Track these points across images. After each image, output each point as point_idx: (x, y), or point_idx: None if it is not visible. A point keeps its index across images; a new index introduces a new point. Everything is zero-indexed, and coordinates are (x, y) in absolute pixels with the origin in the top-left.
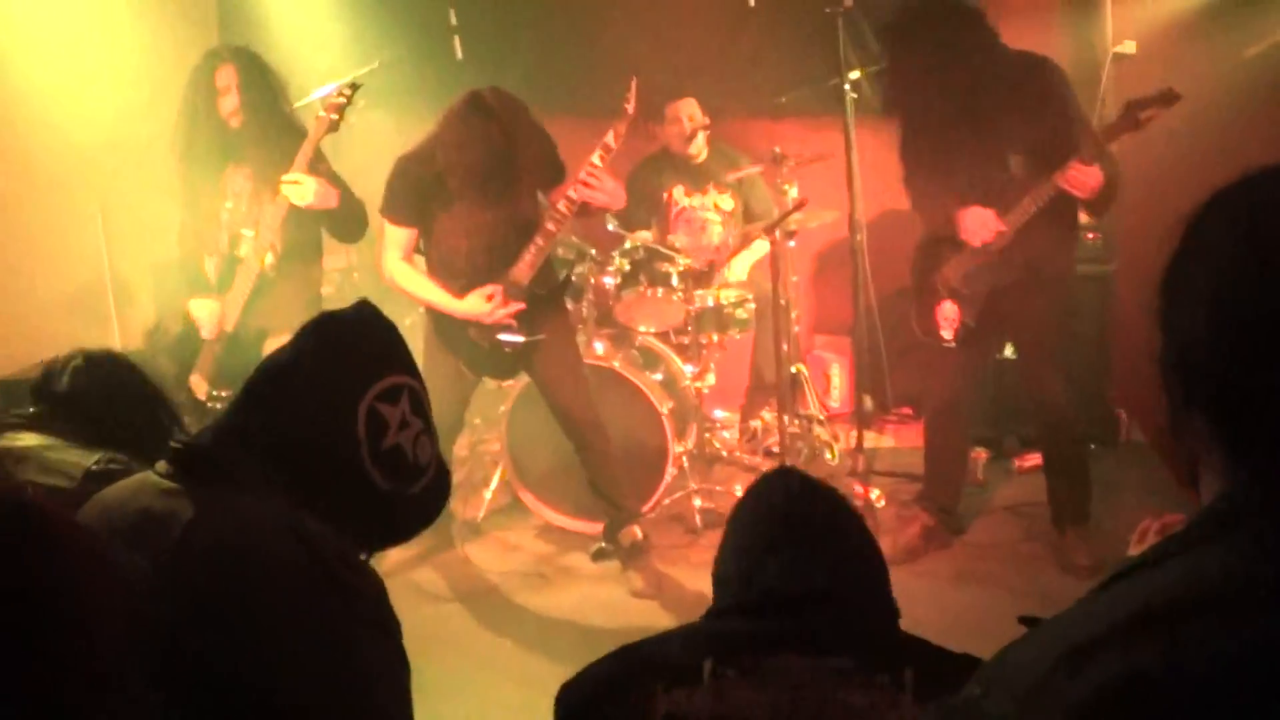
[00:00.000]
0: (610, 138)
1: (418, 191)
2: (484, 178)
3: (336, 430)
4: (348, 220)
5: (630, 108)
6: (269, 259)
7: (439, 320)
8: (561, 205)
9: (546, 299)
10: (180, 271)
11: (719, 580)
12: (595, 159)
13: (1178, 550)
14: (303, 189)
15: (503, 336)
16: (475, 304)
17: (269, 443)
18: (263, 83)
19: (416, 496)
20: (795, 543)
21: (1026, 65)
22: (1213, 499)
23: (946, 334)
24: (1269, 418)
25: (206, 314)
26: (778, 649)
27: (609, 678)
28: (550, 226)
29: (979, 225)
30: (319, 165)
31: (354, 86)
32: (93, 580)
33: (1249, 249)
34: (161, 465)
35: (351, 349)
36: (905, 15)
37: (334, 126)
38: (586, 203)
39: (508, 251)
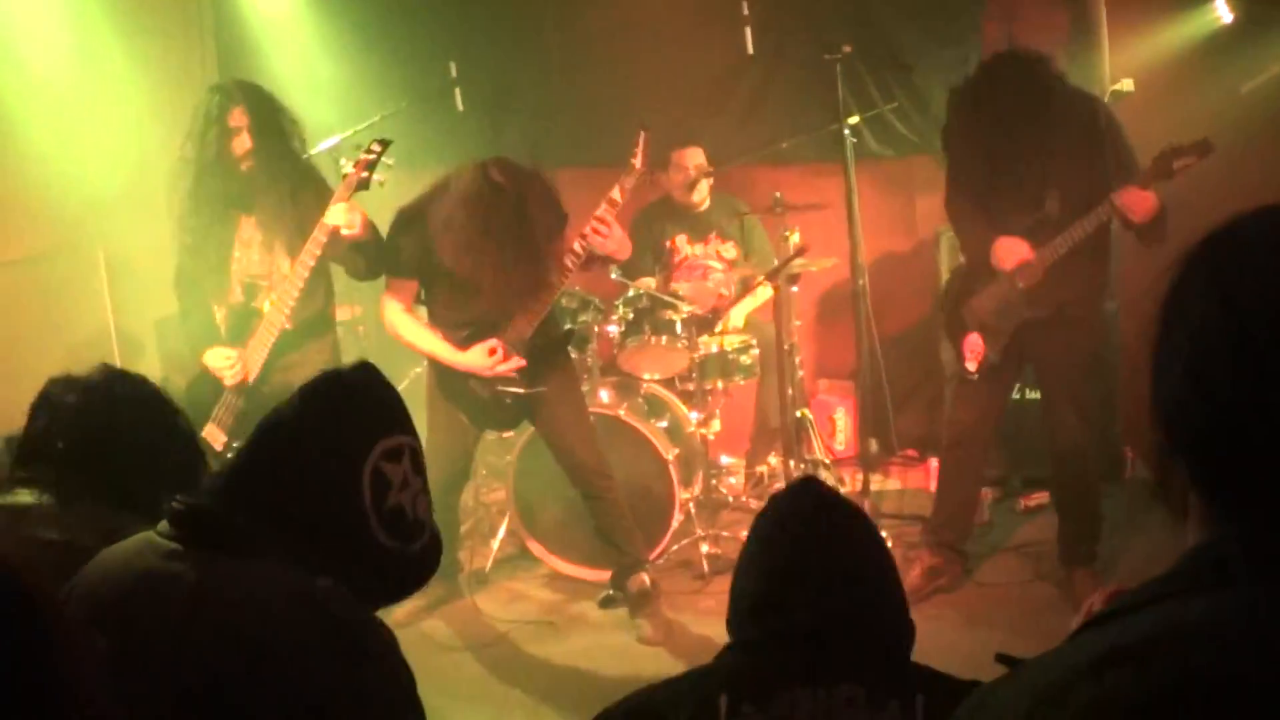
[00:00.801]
0: (616, 192)
1: (418, 244)
2: (488, 240)
3: (342, 491)
4: (373, 254)
5: (638, 162)
6: (285, 324)
7: (441, 372)
8: (567, 260)
9: (549, 350)
10: (186, 320)
11: (736, 594)
12: (601, 212)
13: (1151, 599)
14: (352, 216)
15: (504, 389)
16: (477, 357)
17: (272, 503)
18: (277, 124)
19: (416, 554)
20: (809, 568)
21: (1075, 102)
22: (1191, 550)
23: (971, 365)
24: (1245, 480)
25: (227, 363)
26: (790, 681)
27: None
28: (554, 279)
29: (1010, 252)
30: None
31: (384, 142)
32: (74, 657)
33: (1224, 314)
34: (163, 525)
35: (356, 409)
36: (983, 71)
37: (364, 184)
38: (593, 252)
39: (511, 305)
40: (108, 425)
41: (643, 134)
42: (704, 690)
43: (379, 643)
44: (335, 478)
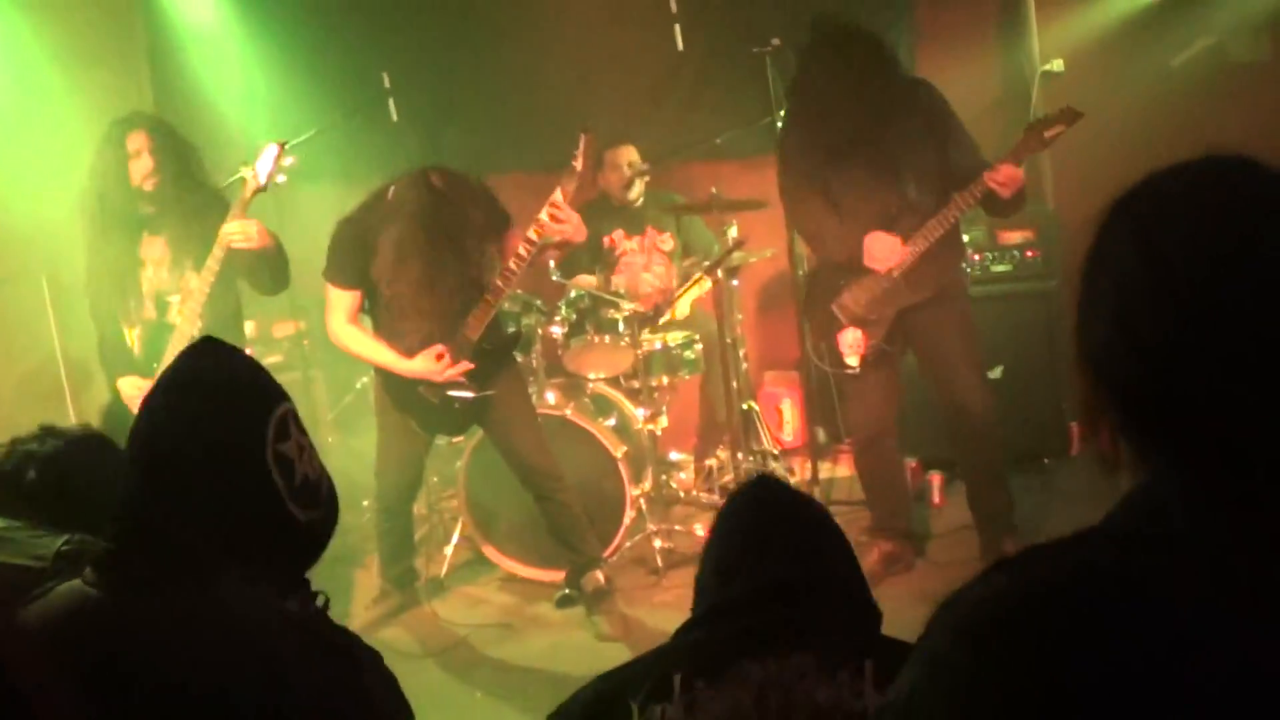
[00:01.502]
0: (558, 194)
1: (359, 254)
2: (430, 247)
3: (257, 489)
4: (278, 267)
5: (579, 164)
6: (199, 327)
7: (388, 380)
8: (512, 262)
9: (496, 354)
10: (101, 345)
11: (699, 587)
12: (544, 216)
13: (1064, 544)
14: (247, 228)
15: (453, 393)
16: (424, 364)
17: (192, 524)
18: (175, 146)
19: (325, 514)
20: (757, 545)
21: (912, 88)
22: (1122, 498)
23: (852, 360)
24: (1172, 424)
25: (137, 392)
26: (741, 654)
27: (592, 701)
28: (499, 283)
29: (887, 251)
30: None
31: (280, 145)
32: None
33: (1147, 265)
34: (89, 574)
35: (234, 401)
36: (807, 43)
37: (262, 187)
38: (547, 241)
39: (455, 310)
40: (85, 466)
41: (583, 136)
42: (659, 668)
43: (367, 652)
44: (245, 481)
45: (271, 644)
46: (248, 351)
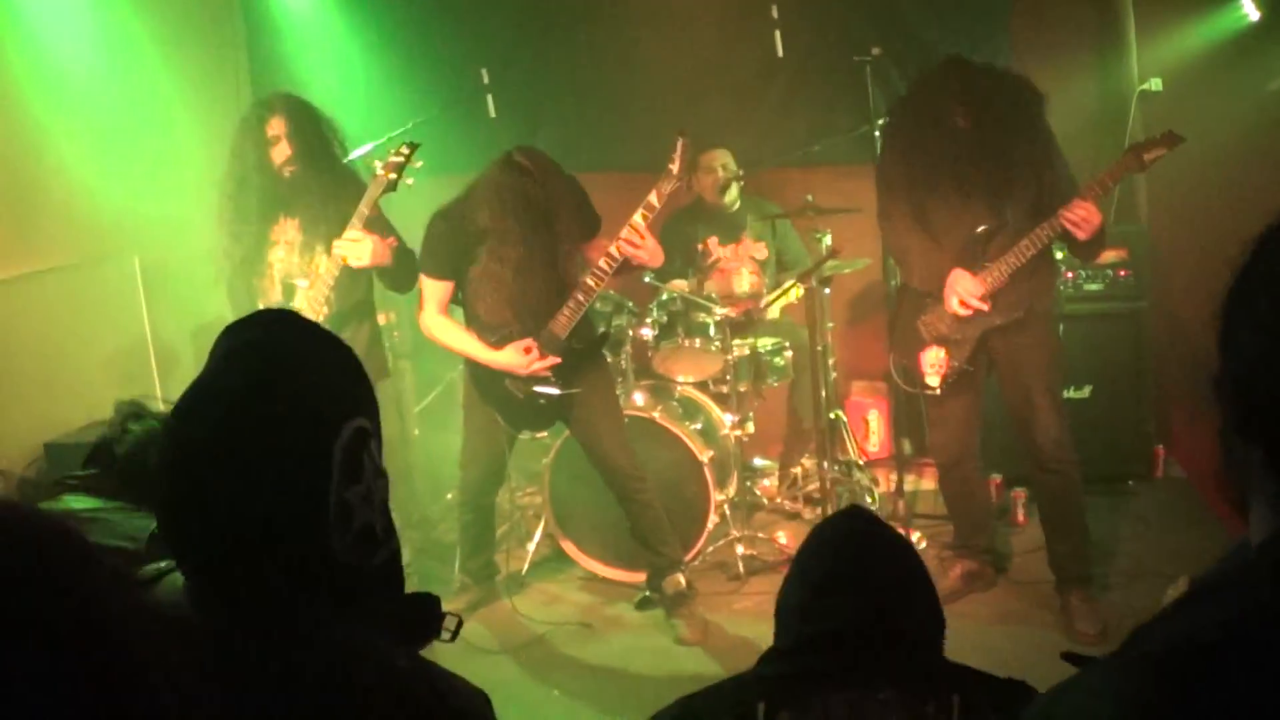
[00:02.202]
0: (654, 197)
1: (452, 246)
2: (521, 235)
3: (304, 542)
4: (401, 273)
5: (675, 168)
6: (325, 313)
7: (476, 372)
8: (602, 263)
9: (584, 353)
10: None
11: (780, 610)
12: (637, 218)
13: (1229, 584)
14: (359, 248)
15: (538, 389)
16: (512, 356)
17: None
18: (315, 131)
19: (387, 552)
20: (847, 580)
21: (1023, 107)
22: (1265, 538)
23: (933, 381)
24: None
25: None
26: (825, 685)
27: None
28: (590, 282)
29: (964, 293)
30: (375, 222)
31: (413, 145)
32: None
33: None
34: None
35: (295, 425)
36: (929, 72)
37: (392, 186)
38: (627, 260)
39: (546, 305)
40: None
41: (680, 140)
42: (742, 696)
43: (473, 701)
44: (293, 533)
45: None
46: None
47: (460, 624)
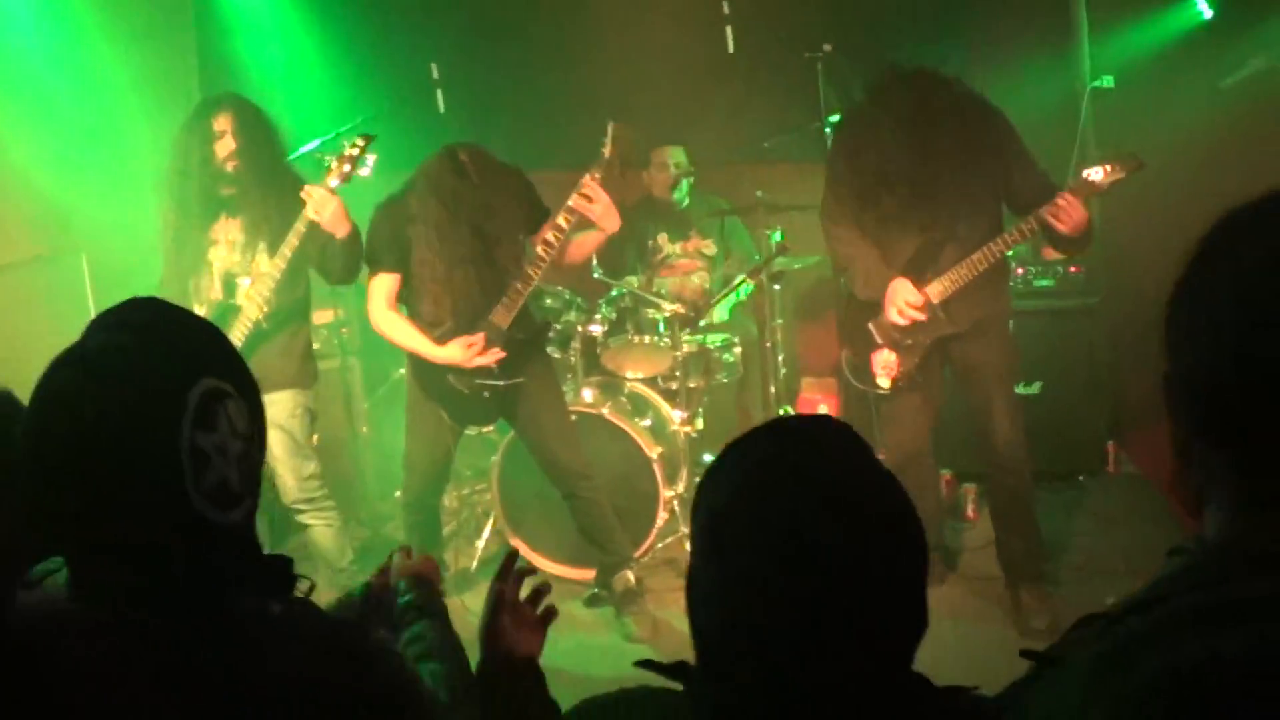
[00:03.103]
0: (588, 177)
1: (393, 238)
2: (454, 228)
3: (162, 481)
4: (351, 256)
5: (607, 151)
6: (265, 311)
7: (419, 368)
8: (540, 250)
9: (527, 344)
10: None
11: (722, 610)
12: (572, 199)
13: (1187, 589)
14: (327, 203)
15: (482, 381)
16: (455, 350)
17: (87, 520)
18: (259, 128)
19: (245, 521)
20: (810, 599)
21: (980, 120)
22: (1219, 536)
23: (883, 382)
24: None
25: None
26: None
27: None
28: (530, 271)
29: (903, 306)
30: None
31: (367, 137)
32: None
33: (1265, 293)
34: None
35: (147, 376)
36: (876, 82)
37: (346, 179)
38: (576, 225)
39: (484, 299)
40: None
41: (612, 125)
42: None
43: (360, 639)
44: (151, 467)
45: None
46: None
47: (313, 586)
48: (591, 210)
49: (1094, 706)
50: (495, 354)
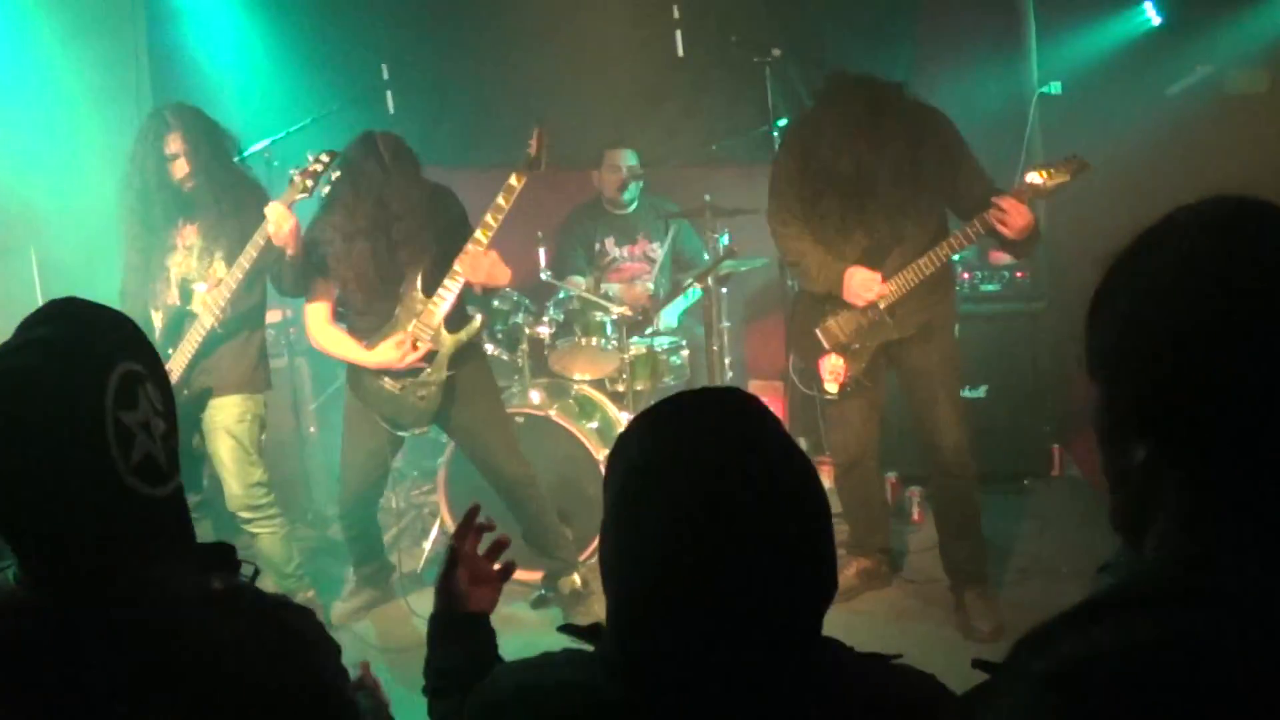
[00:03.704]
0: (513, 178)
1: (318, 256)
2: (363, 204)
3: (89, 459)
4: (299, 273)
5: (532, 152)
6: (220, 317)
7: (354, 375)
8: (480, 232)
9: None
10: None
11: (613, 586)
12: (479, 233)
13: (1152, 601)
14: (284, 221)
15: (414, 379)
16: (386, 353)
17: (23, 503)
18: (211, 143)
19: (176, 493)
20: (716, 556)
21: (922, 122)
22: (1174, 548)
23: (831, 387)
24: (1254, 461)
25: None
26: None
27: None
28: (457, 267)
29: (863, 287)
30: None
31: (331, 154)
32: None
33: (1235, 282)
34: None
35: (69, 360)
36: (821, 89)
37: (308, 192)
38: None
39: (382, 276)
40: None
41: (537, 129)
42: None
43: (299, 617)
44: (78, 445)
45: (197, 623)
46: None
47: (258, 571)
48: (473, 275)
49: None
50: (426, 349)
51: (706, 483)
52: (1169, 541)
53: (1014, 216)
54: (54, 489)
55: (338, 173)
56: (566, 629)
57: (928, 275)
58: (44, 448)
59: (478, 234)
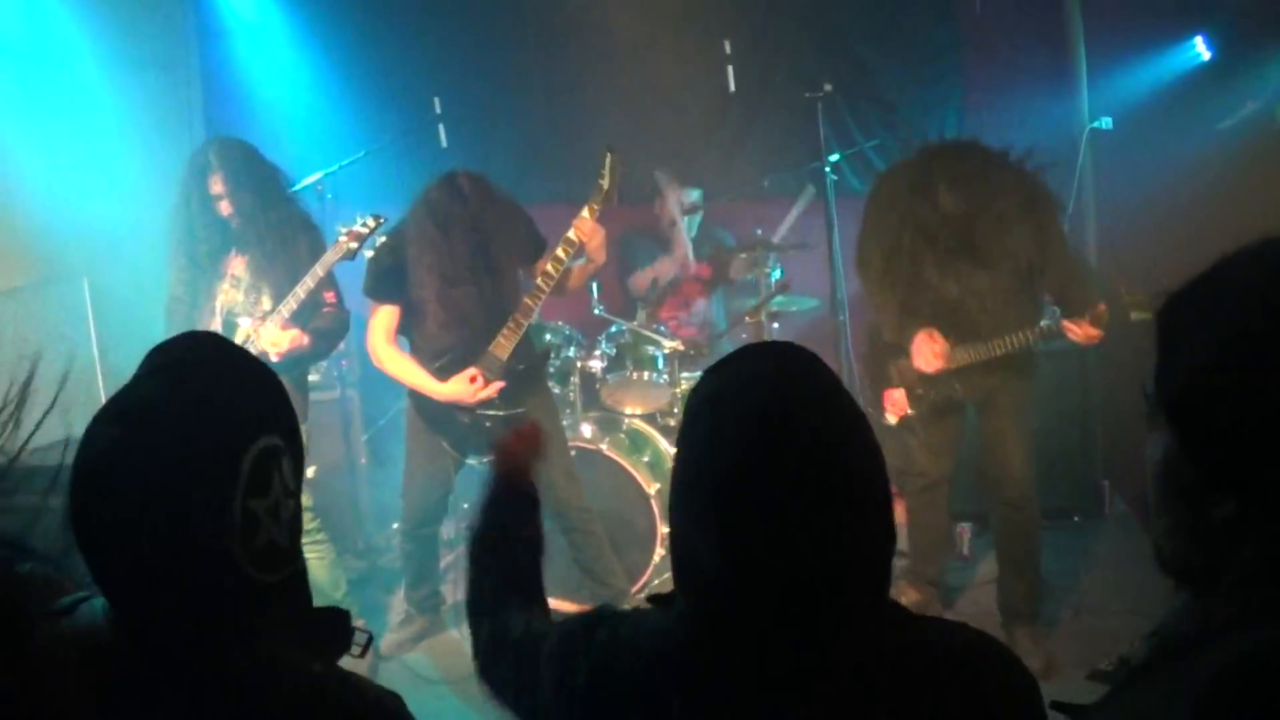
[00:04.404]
0: (585, 211)
1: (396, 267)
2: (454, 255)
3: (208, 552)
4: (322, 346)
5: (605, 183)
6: (273, 350)
7: (421, 401)
8: (540, 280)
9: (527, 374)
10: None
11: (708, 522)
12: (571, 232)
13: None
14: (279, 340)
15: (484, 412)
16: (458, 387)
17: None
18: (254, 184)
19: (292, 576)
20: (778, 496)
21: (1023, 190)
22: (1254, 599)
23: (890, 419)
24: None
25: None
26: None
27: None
28: (529, 302)
29: (927, 358)
30: (323, 279)
31: (378, 219)
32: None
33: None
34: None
35: (201, 437)
36: (938, 144)
37: (351, 255)
38: (565, 274)
39: (487, 329)
40: None
41: (609, 155)
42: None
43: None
44: (196, 536)
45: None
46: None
47: (370, 639)
48: (589, 243)
49: None
50: (496, 386)
51: (764, 403)
52: (1253, 592)
53: (1081, 334)
54: (160, 562)
55: (416, 205)
56: (652, 599)
57: (998, 356)
58: (163, 537)
59: (548, 267)
